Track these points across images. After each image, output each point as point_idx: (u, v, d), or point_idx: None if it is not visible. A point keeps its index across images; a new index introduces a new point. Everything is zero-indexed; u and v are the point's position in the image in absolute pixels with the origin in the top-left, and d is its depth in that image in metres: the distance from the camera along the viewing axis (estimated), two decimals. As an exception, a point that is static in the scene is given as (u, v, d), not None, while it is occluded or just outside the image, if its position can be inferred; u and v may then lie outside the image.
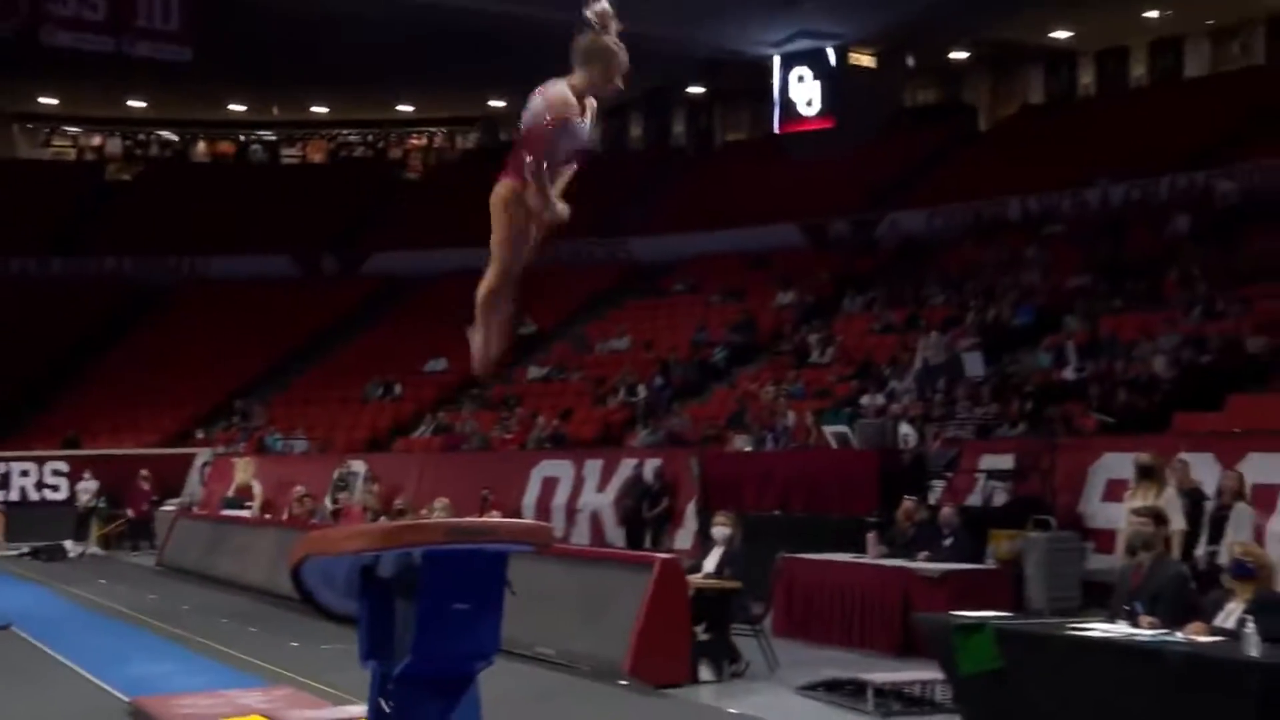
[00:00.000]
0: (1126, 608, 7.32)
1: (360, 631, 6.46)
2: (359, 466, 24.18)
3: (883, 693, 9.11)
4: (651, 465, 19.47)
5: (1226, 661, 6.23)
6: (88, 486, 25.45)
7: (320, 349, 33.46)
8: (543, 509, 20.41)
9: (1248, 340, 17.59)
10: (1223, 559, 10.99)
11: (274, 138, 42.07)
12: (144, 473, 25.19)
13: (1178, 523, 10.63)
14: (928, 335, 21.74)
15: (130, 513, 25.14)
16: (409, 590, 6.10)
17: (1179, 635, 6.73)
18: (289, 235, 35.43)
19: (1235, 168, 24.37)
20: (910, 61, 33.12)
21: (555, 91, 4.85)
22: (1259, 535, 11.59)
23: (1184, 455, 12.48)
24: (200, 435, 30.02)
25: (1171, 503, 10.56)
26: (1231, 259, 20.77)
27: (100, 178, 40.27)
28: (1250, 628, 6.33)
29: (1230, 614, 6.85)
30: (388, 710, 6.19)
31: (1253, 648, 6.18)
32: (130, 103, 38.27)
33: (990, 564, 12.61)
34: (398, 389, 30.47)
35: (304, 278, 35.71)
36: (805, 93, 32.28)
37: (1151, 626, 6.96)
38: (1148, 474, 10.74)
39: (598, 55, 4.83)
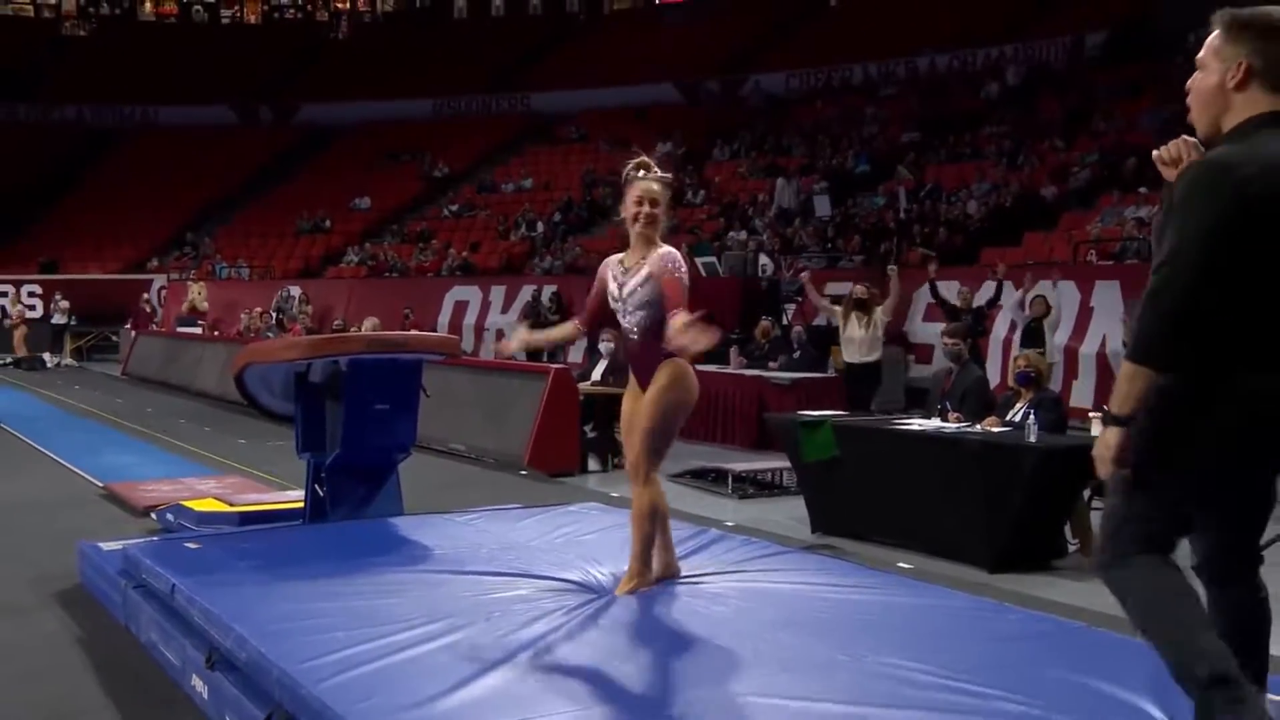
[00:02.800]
0: (939, 407, 7.55)
1: (296, 429, 6.46)
2: (295, 290, 23.79)
3: (740, 478, 9.30)
4: (549, 290, 19.42)
5: (1011, 446, 6.48)
6: (61, 306, 24.72)
7: (259, 188, 32.61)
8: (455, 327, 20.33)
9: (1042, 189, 17.89)
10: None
11: (213, -1, 40.06)
12: (146, 296, 24.43)
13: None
14: (778, 181, 21.77)
15: (133, 330, 24.01)
16: (337, 393, 6.09)
17: (978, 427, 6.97)
18: (228, 87, 34.30)
19: (1024, 45, 24.52)
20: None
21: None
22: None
23: (989, 281, 12.75)
24: (155, 264, 29.25)
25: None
26: (1030, 120, 20.98)
27: (57, 32, 38.17)
28: (1031, 421, 6.59)
29: (1017, 411, 7.10)
30: (321, 494, 6.23)
31: (1031, 436, 6.45)
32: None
33: (831, 373, 12.86)
34: (327, 223, 29.92)
35: (242, 125, 34.67)
36: (682, -32, 31.53)
37: (957, 421, 7.19)
38: (860, 305, 11.18)
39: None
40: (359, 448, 6.11)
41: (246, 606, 4.38)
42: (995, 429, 6.91)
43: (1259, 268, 2.59)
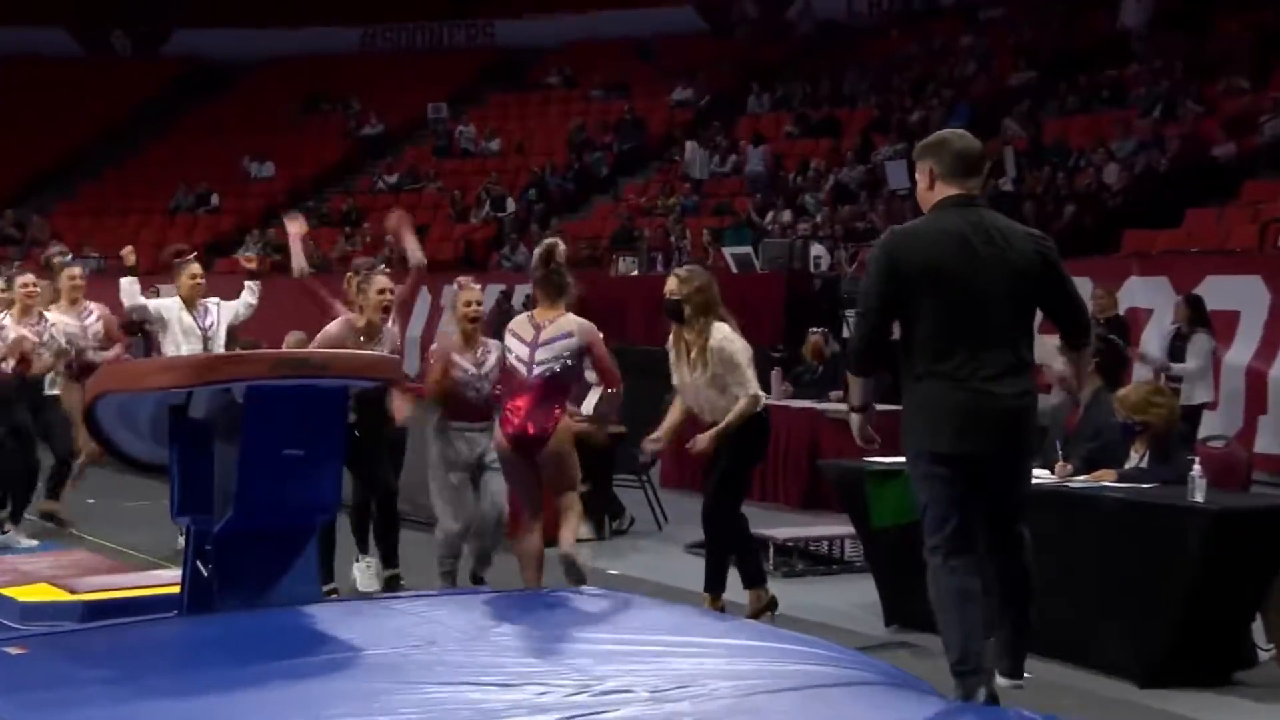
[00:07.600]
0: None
1: (172, 484, 6.41)
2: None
3: (785, 550, 9.29)
4: (523, 292, 19.42)
5: (1169, 508, 6.48)
6: None
7: (114, 147, 32.39)
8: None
9: (1216, 147, 17.87)
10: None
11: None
12: None
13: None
14: (687, 144, 22.82)
15: None
16: (230, 433, 6.05)
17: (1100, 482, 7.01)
18: (65, 3, 33.60)
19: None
20: None
21: None
22: (1216, 367, 12.05)
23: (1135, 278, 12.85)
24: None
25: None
26: (1197, 49, 20.96)
27: None
28: (1196, 473, 6.54)
29: (1134, 464, 7.18)
30: (206, 574, 6.18)
31: (1198, 494, 6.42)
32: None
33: (910, 404, 12.79)
34: (214, 199, 29.83)
35: (89, 57, 34.22)
36: None
37: (1062, 472, 7.22)
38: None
39: None
40: (260, 507, 6.08)
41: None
42: (1110, 482, 6.96)
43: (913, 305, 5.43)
